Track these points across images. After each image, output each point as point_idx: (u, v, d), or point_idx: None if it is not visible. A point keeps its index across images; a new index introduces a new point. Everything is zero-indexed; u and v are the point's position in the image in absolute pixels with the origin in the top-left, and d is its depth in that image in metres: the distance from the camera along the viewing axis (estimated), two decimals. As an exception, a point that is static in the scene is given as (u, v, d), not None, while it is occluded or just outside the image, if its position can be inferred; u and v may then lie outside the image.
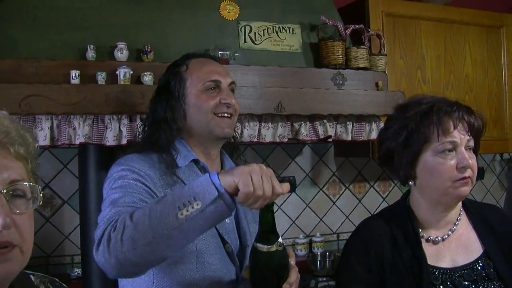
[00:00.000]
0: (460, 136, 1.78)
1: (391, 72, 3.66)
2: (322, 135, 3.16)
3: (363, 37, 3.39)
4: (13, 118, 1.17)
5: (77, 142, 2.58)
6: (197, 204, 1.47)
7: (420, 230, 1.87)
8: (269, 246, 1.60)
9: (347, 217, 4.13)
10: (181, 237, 1.51)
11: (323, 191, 4.06)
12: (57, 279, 1.37)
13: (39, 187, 1.16)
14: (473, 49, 4.07)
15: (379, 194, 4.27)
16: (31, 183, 1.13)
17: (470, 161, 1.77)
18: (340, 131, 3.23)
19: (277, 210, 3.84)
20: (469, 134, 1.81)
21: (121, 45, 2.75)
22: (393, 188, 4.30)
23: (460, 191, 1.79)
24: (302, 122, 3.10)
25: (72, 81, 2.59)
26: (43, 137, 2.53)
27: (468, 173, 1.77)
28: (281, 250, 1.63)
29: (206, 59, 2.09)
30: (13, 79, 2.49)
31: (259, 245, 1.61)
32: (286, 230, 3.91)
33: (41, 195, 1.15)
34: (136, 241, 1.48)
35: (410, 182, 1.89)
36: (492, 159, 4.84)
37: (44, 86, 2.49)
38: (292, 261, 1.69)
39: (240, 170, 1.51)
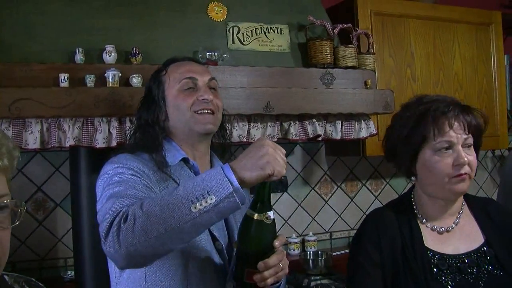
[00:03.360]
0: (456, 135, 1.87)
1: (381, 70, 3.68)
2: (311, 134, 3.17)
3: (351, 36, 3.41)
4: None
5: (67, 144, 2.59)
6: (211, 199, 1.48)
7: (424, 220, 1.97)
8: (257, 214, 1.62)
9: (339, 216, 4.16)
10: (192, 230, 1.52)
11: (315, 190, 4.09)
12: (33, 279, 1.37)
13: (23, 202, 1.16)
14: (462, 47, 4.09)
15: (371, 193, 4.29)
16: (15, 199, 1.14)
17: (466, 159, 1.85)
18: (330, 130, 3.24)
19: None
20: (467, 132, 1.88)
21: (110, 48, 2.76)
22: (385, 186, 4.33)
23: (457, 188, 1.87)
24: (291, 122, 3.11)
25: (61, 84, 2.59)
26: (33, 141, 2.54)
27: (464, 170, 1.85)
28: (268, 224, 1.64)
29: (184, 62, 2.12)
30: (3, 83, 2.50)
31: (249, 211, 1.64)
32: (279, 230, 3.86)
33: (24, 210, 1.15)
34: (148, 233, 1.49)
35: (413, 178, 2.00)
36: (484, 156, 4.87)
37: (34, 90, 2.49)
38: (277, 243, 1.67)
39: (256, 159, 1.53)
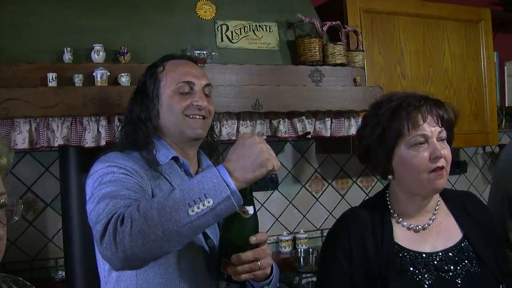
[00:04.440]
0: (430, 128, 1.85)
1: (370, 68, 3.69)
2: (300, 131, 3.17)
3: (340, 33, 3.41)
4: None
5: (56, 144, 2.58)
6: (208, 202, 1.47)
7: (400, 219, 1.94)
8: None
9: (330, 213, 4.16)
10: (190, 233, 1.52)
11: (305, 188, 4.09)
12: (20, 278, 1.37)
13: (20, 200, 1.17)
14: (452, 44, 4.09)
15: (362, 190, 4.30)
16: (11, 197, 1.15)
17: (443, 152, 1.84)
18: (319, 128, 3.24)
19: (260, 207, 3.87)
20: (440, 126, 1.87)
21: (98, 47, 2.75)
22: (376, 183, 4.33)
23: (436, 184, 1.85)
24: (281, 119, 3.11)
25: (50, 84, 2.59)
26: (22, 141, 2.53)
27: (441, 163, 1.84)
28: (245, 218, 1.65)
29: (183, 61, 2.11)
30: (-9, 84, 2.50)
31: None
32: (270, 228, 3.93)
33: (21, 207, 1.17)
34: (145, 236, 1.48)
35: (390, 176, 1.96)
36: (474, 152, 4.88)
37: (21, 90, 2.49)
38: (253, 238, 1.69)
39: (254, 158, 1.53)
